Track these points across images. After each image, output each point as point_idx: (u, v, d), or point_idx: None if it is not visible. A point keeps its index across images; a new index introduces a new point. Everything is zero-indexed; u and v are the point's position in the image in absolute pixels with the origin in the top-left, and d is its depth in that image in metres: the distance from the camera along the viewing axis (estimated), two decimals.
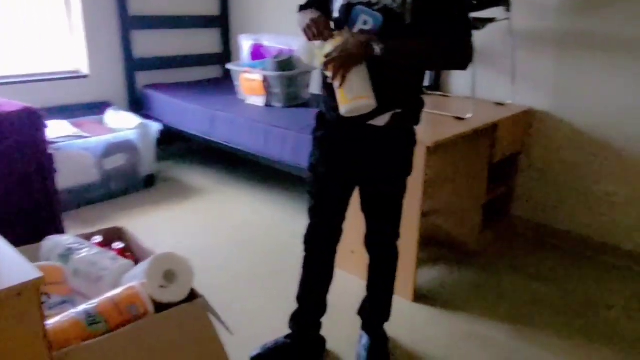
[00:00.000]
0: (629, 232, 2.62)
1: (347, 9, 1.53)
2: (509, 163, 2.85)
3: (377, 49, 1.42)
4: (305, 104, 3.41)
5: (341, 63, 1.42)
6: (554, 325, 2.17)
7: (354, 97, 1.47)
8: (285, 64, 3.26)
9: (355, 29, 1.50)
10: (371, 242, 1.84)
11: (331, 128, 1.66)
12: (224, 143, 3.28)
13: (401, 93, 1.58)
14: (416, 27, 1.45)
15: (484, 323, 2.16)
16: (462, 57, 1.49)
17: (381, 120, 1.58)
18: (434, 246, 2.77)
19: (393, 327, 2.01)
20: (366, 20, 1.50)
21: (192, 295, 1.46)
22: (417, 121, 1.66)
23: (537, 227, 2.92)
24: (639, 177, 2.54)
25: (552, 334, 2.11)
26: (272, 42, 3.50)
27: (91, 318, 1.27)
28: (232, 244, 2.79)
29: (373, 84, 1.48)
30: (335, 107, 1.52)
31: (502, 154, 2.62)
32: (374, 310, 1.95)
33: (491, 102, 2.83)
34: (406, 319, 2.16)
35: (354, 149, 1.65)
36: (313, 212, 1.79)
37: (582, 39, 2.57)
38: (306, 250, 1.85)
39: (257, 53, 3.54)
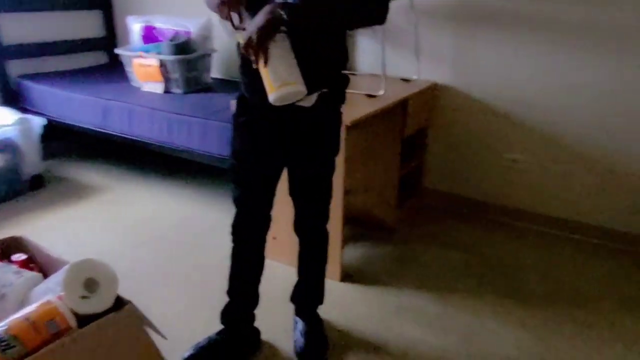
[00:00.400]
0: (537, 197, 2.82)
1: None
2: (419, 138, 2.94)
3: (283, 13, 1.33)
4: (207, 89, 3.24)
5: (256, 41, 1.33)
6: (476, 290, 2.28)
7: (282, 83, 1.39)
8: (183, 46, 3.07)
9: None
10: (302, 226, 1.79)
11: (255, 112, 1.57)
12: (121, 135, 3.02)
13: (327, 71, 1.53)
14: None
15: (412, 295, 2.22)
16: (379, 6, 1.40)
17: (308, 101, 1.52)
18: (354, 224, 2.79)
19: (325, 309, 1.99)
20: None
21: (119, 303, 1.31)
22: (343, 100, 1.62)
23: (450, 197, 3.06)
24: (541, 143, 2.73)
25: (475, 297, 2.22)
26: (166, 24, 3.27)
27: (4, 343, 1.09)
28: (142, 242, 2.59)
29: (298, 64, 1.41)
30: (258, 90, 1.43)
31: (413, 129, 2.69)
32: (308, 294, 1.92)
33: (398, 79, 2.88)
34: (337, 300, 2.15)
35: (282, 133, 1.58)
36: (240, 201, 1.70)
37: (479, 13, 2.69)
38: (234, 241, 1.75)
39: (150, 36, 3.29)
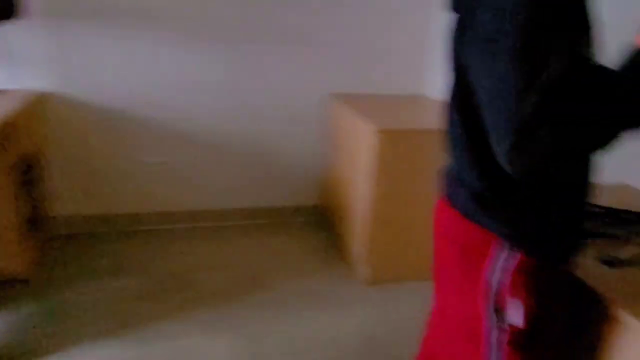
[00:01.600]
0: (187, 195, 2.74)
1: None
2: (32, 163, 2.36)
3: None
4: None
5: None
6: (165, 311, 2.06)
7: None
8: None
9: None
10: None
11: None
12: None
13: None
14: None
15: (104, 351, 1.81)
16: None
17: None
18: None
19: None
20: None
21: None
22: None
23: (83, 220, 2.62)
24: (180, 141, 2.64)
25: (169, 319, 2.01)
26: None
27: None
28: None
29: None
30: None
31: (23, 154, 2.13)
32: None
33: None
34: None
35: None
36: None
37: (79, 9, 2.32)
38: None
39: None
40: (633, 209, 1.34)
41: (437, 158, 2.12)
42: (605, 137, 0.74)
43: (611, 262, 1.08)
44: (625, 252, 1.14)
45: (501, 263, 0.90)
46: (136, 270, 2.34)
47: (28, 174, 2.31)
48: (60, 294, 2.12)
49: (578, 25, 0.74)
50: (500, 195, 0.89)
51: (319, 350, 1.90)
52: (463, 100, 0.90)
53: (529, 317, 0.90)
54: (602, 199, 1.33)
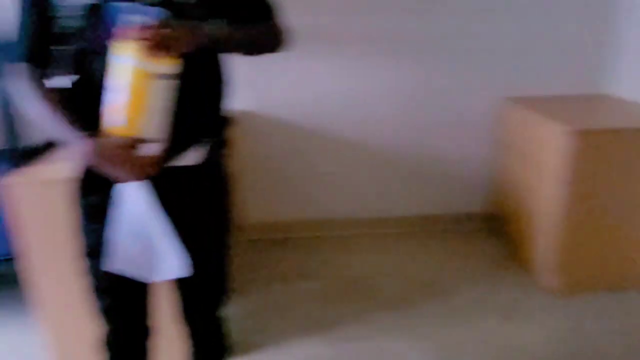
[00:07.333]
0: (357, 203, 2.86)
1: (96, 11, 1.01)
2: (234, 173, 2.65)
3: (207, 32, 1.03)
4: None
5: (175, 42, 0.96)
6: (347, 313, 2.17)
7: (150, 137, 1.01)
8: None
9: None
10: (189, 315, 1.37)
11: (110, 187, 1.10)
12: None
13: (210, 112, 1.18)
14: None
15: (300, 350, 1.98)
16: (282, 40, 1.26)
17: (191, 157, 1.15)
18: None
19: None
20: (135, 22, 1.01)
21: None
22: (226, 146, 1.28)
23: (272, 226, 2.87)
24: (349, 152, 2.77)
25: (354, 323, 2.11)
26: None
27: None
28: None
29: (179, 103, 1.05)
30: None
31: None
32: None
33: None
34: None
35: (160, 205, 1.15)
36: (111, 313, 1.20)
37: None
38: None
39: None
40: None
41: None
42: None
43: None
44: None
45: None
46: (318, 274, 2.49)
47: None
48: (256, 294, 2.34)
49: None
50: None
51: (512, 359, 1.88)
52: None
53: None
54: None
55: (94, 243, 1.12)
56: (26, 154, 1.77)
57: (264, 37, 1.22)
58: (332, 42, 2.60)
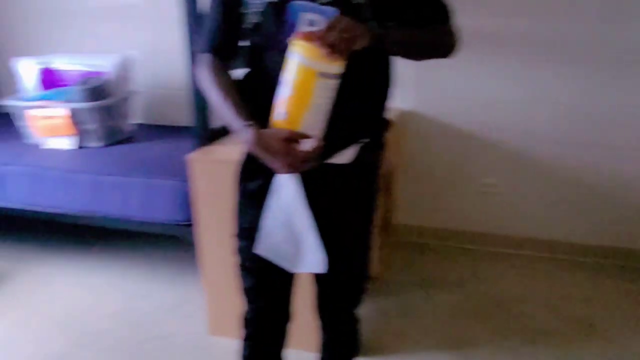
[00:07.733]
0: (514, 219, 2.68)
1: (276, 9, 1.08)
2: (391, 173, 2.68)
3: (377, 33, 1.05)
4: (129, 139, 2.71)
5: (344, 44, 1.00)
6: (484, 334, 2.06)
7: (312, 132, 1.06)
8: (98, 90, 2.53)
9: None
10: (326, 308, 1.42)
11: (269, 176, 1.19)
12: (24, 208, 2.39)
13: (371, 113, 1.20)
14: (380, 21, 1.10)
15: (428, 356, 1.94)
16: (454, 44, 1.22)
17: (346, 156, 1.18)
18: None
19: None
20: (313, 21, 1.07)
21: None
22: (382, 148, 1.30)
23: (419, 231, 2.83)
24: (513, 165, 2.60)
25: (489, 344, 2.00)
26: (71, 65, 2.69)
27: None
28: (74, 343, 2.01)
29: (337, 104, 1.08)
30: None
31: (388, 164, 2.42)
32: None
33: None
34: None
35: (309, 200, 1.21)
36: (254, 293, 1.30)
37: None
38: (249, 339, 1.36)
39: (51, 80, 2.69)
40: None
41: None
42: None
43: None
44: None
45: None
46: (462, 287, 2.39)
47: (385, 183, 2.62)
48: (395, 297, 2.32)
49: None
50: None
51: None
52: None
53: None
54: None
55: (248, 226, 1.23)
56: (210, 135, 1.97)
57: (437, 41, 1.19)
58: (503, 47, 2.44)
